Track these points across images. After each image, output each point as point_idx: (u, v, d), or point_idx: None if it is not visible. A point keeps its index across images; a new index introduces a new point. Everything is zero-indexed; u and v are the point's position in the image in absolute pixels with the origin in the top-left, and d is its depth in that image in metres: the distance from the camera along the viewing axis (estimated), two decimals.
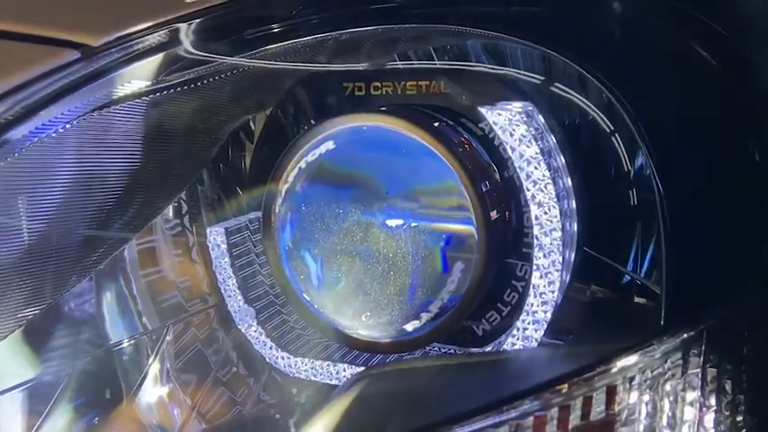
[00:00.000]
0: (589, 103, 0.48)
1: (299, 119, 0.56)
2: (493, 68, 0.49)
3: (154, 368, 0.57)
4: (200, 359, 0.59)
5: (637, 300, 0.48)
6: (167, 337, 0.58)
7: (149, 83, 0.46)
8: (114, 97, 0.45)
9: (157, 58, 0.45)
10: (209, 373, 0.59)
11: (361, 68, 0.52)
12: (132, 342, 0.57)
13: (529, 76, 0.48)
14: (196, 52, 0.47)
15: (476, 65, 0.50)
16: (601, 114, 0.48)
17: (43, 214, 0.47)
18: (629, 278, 0.48)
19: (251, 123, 0.58)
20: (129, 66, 0.44)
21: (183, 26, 0.45)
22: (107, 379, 0.55)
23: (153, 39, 0.44)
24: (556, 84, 0.48)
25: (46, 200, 0.47)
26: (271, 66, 0.49)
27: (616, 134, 0.48)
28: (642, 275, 0.48)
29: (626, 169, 0.47)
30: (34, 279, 0.48)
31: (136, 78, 0.45)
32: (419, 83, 0.50)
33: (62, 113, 0.43)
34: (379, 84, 0.51)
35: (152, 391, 0.57)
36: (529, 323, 0.43)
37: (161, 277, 0.58)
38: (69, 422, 0.53)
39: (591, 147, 0.48)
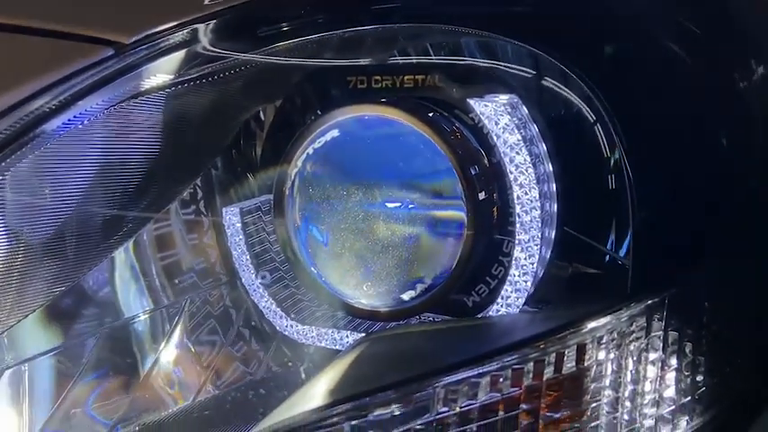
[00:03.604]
0: (574, 95, 0.52)
1: (306, 110, 0.61)
2: (483, 63, 0.54)
3: (171, 342, 0.62)
4: (215, 334, 0.64)
5: (613, 276, 0.53)
6: (184, 313, 0.63)
7: (172, 77, 0.50)
8: (141, 90, 0.50)
9: (180, 55, 0.50)
10: (222, 347, 0.63)
11: (363, 63, 0.56)
12: (150, 316, 0.61)
13: (518, 70, 0.53)
14: (213, 49, 0.51)
15: (468, 60, 0.54)
16: (584, 105, 0.52)
17: (70, 197, 0.51)
18: (606, 256, 0.53)
19: (261, 114, 0.63)
20: (156, 61, 0.49)
21: (201, 26, 0.49)
22: (125, 351, 0.60)
23: (176, 37, 0.49)
24: (545, 77, 0.52)
25: (73, 184, 0.51)
26: (280, 61, 0.53)
27: (598, 124, 0.52)
28: (620, 254, 0.52)
29: (605, 156, 0.52)
30: (61, 258, 0.52)
31: (161, 73, 0.50)
32: (416, 77, 0.55)
33: (95, 104, 0.47)
34: (379, 77, 0.56)
35: (169, 364, 0.62)
36: (511, 292, 0.48)
37: (176, 259, 0.63)
38: (90, 391, 0.57)
39: (574, 135, 0.52)
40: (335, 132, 0.52)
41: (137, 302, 0.60)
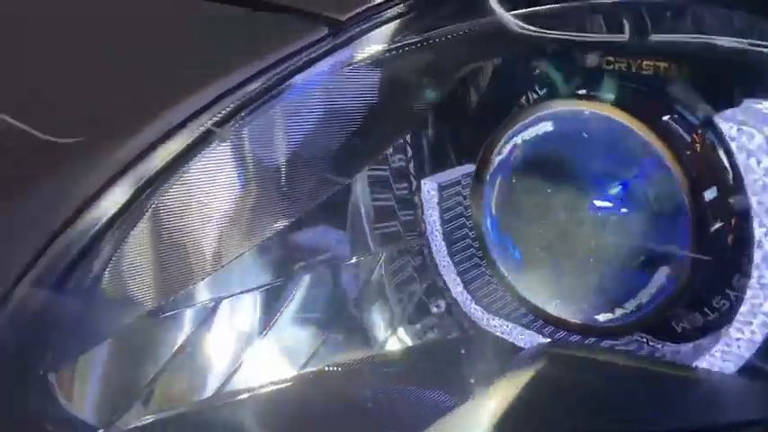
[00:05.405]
0: None
1: (520, 85, 0.55)
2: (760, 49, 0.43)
3: (369, 287, 0.64)
4: (411, 284, 0.64)
5: None
6: (383, 260, 0.64)
7: (387, 46, 0.49)
8: (355, 59, 0.49)
9: (396, 25, 0.48)
10: (415, 296, 0.64)
11: (621, 41, 0.47)
12: (358, 261, 0.63)
13: None
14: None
15: (734, 41, 0.43)
16: None
17: (294, 153, 0.53)
18: None
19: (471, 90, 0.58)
20: (372, 33, 0.47)
21: None
22: (328, 293, 0.63)
23: (392, 12, 0.46)
24: None
25: (296, 144, 0.53)
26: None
27: None
28: None
29: None
30: (281, 200, 0.55)
31: (374, 43, 0.48)
32: (657, 63, 0.46)
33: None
34: (612, 58, 0.48)
35: (364, 309, 0.64)
36: (734, 335, 0.40)
37: (386, 205, 0.63)
38: (297, 329, 0.62)
39: None
40: (549, 125, 0.46)
41: (342, 249, 0.63)
